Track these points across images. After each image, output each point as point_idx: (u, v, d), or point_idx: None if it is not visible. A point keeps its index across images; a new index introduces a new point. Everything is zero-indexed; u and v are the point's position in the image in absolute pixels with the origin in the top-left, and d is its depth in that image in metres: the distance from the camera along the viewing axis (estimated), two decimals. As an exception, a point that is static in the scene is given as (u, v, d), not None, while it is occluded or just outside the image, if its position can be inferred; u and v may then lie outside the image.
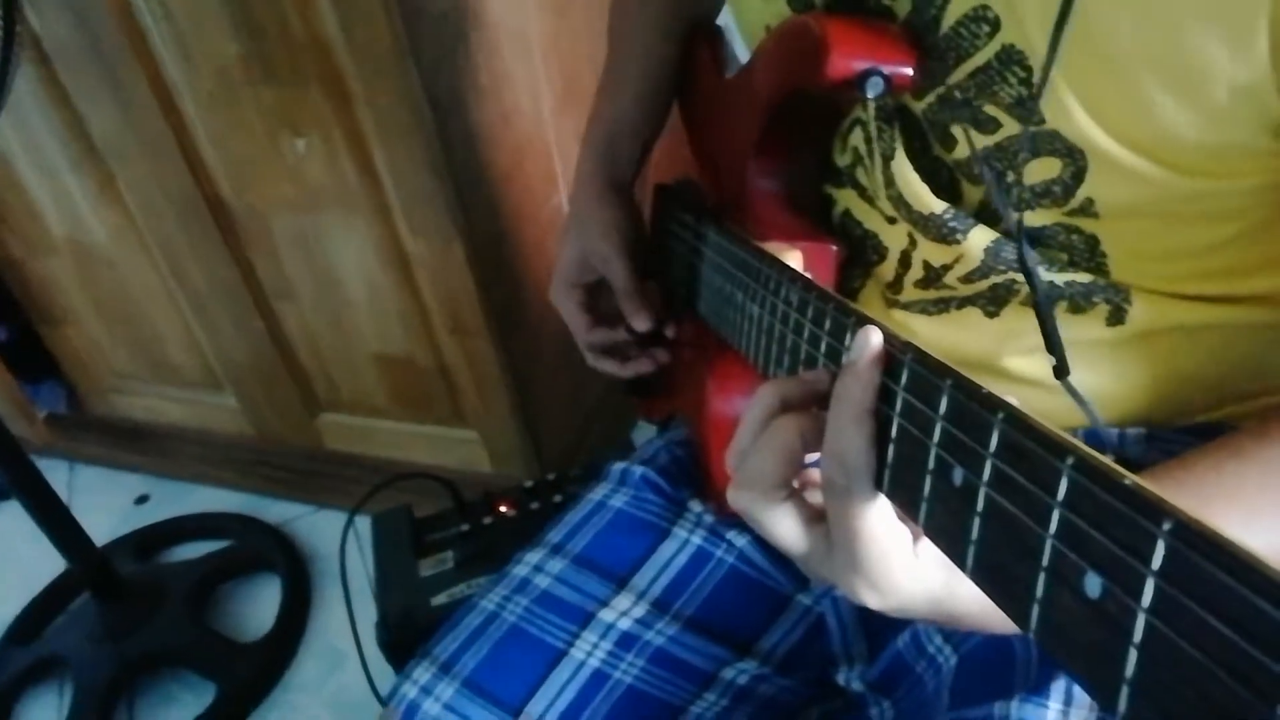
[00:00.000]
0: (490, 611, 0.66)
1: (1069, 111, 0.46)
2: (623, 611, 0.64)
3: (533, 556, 0.69)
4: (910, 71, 0.51)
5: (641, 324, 0.73)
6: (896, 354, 0.38)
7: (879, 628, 0.64)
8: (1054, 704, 0.51)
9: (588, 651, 0.63)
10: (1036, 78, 0.47)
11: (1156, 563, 0.24)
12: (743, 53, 0.68)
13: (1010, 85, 0.48)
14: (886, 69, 0.51)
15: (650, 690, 0.62)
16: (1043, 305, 0.51)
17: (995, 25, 0.48)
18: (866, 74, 0.51)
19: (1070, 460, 0.27)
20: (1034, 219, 0.53)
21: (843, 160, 0.63)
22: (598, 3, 0.79)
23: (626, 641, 0.63)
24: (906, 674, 0.61)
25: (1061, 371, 0.51)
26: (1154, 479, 0.29)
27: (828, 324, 0.44)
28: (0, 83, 0.88)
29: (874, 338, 0.38)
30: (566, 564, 0.67)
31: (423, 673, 0.64)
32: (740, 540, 0.68)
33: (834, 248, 0.62)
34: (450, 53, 1.09)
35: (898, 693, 0.62)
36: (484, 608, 0.66)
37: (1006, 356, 0.59)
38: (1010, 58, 0.48)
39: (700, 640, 0.65)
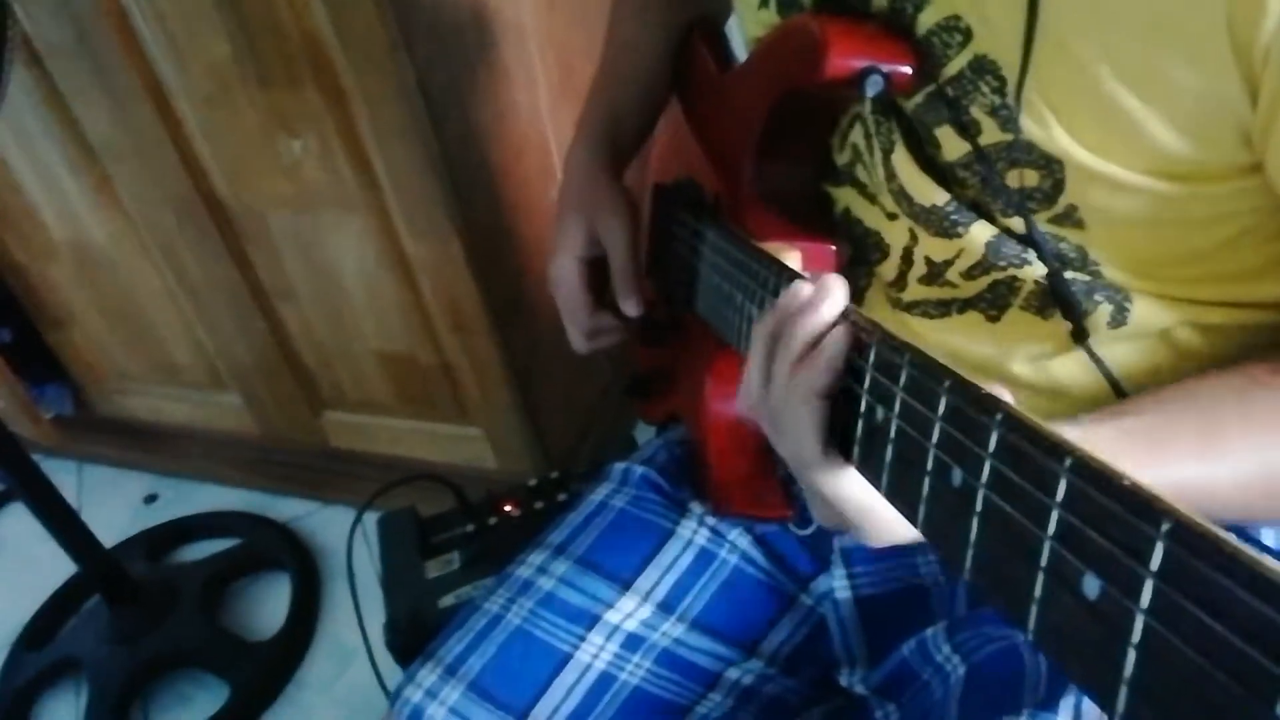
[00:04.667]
0: (495, 614, 0.65)
1: (1046, 124, 0.46)
2: (628, 613, 0.64)
3: (536, 557, 0.68)
4: (909, 70, 0.51)
5: (632, 308, 0.73)
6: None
7: (881, 632, 0.64)
8: (1064, 719, 0.51)
9: (594, 654, 0.62)
10: (1010, 88, 0.47)
11: (1155, 564, 0.24)
12: (743, 55, 0.67)
13: (985, 94, 0.48)
14: (885, 67, 0.51)
15: (657, 691, 0.62)
16: (1050, 263, 0.50)
17: (967, 35, 0.48)
18: (865, 73, 0.51)
19: (1069, 462, 0.27)
20: (1024, 223, 0.52)
21: (842, 158, 0.63)
22: (592, -4, 0.79)
23: (633, 643, 0.63)
24: (912, 680, 0.61)
25: (1080, 335, 0.51)
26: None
27: None
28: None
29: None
30: (570, 566, 0.67)
31: (427, 675, 0.64)
32: (743, 541, 0.68)
33: (833, 248, 0.61)
34: (445, 47, 1.08)
35: (903, 698, 0.61)
36: (488, 610, 0.66)
37: (1010, 362, 0.58)
38: (983, 67, 0.48)
39: (705, 641, 0.65)
